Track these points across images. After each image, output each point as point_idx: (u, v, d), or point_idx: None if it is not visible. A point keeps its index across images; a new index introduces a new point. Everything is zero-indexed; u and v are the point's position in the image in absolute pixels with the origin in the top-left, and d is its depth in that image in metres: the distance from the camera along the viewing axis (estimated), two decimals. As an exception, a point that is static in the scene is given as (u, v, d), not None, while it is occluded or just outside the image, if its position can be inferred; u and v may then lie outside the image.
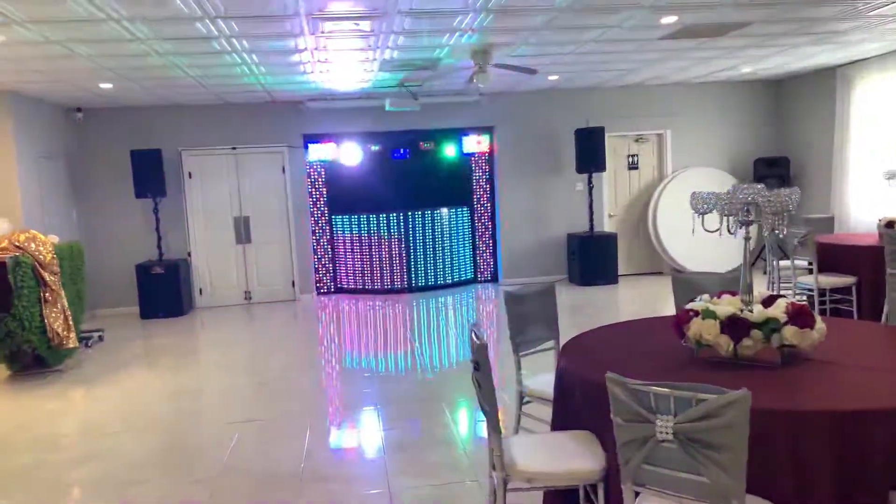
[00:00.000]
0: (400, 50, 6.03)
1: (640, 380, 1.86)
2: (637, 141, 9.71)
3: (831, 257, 5.88)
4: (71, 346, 5.92)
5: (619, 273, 9.19)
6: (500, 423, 2.43)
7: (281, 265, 9.13)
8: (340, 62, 6.47)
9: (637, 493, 1.95)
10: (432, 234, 9.26)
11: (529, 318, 3.37)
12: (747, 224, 2.55)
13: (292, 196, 9.06)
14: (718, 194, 2.60)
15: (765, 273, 7.46)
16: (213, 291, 9.00)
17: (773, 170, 9.20)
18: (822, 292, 5.78)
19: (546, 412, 3.11)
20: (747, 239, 2.58)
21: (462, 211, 9.53)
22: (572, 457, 2.34)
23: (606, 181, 9.53)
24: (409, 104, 8.42)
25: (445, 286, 9.36)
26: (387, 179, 9.31)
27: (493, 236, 9.68)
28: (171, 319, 8.21)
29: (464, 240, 9.57)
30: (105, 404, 5.07)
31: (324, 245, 9.40)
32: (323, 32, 5.25)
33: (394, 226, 9.14)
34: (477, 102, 9.07)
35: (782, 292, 4.23)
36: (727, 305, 2.54)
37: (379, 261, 9.22)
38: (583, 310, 7.47)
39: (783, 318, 2.40)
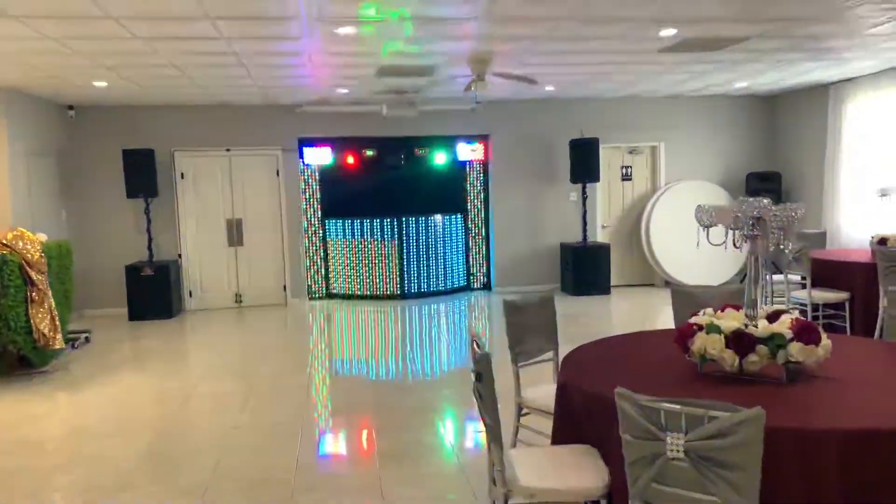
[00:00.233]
0: (398, 56, 6.01)
1: (646, 394, 1.82)
2: (631, 153, 9.74)
3: (825, 273, 5.91)
4: (57, 347, 5.81)
5: (611, 284, 9.19)
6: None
7: (273, 269, 9.05)
8: (337, 66, 6.43)
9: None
10: (426, 241, 9.22)
11: (529, 328, 3.33)
12: (753, 238, 2.53)
13: (286, 199, 8.99)
14: (725, 208, 2.59)
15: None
16: (203, 294, 8.90)
17: (765, 184, 9.25)
18: (815, 307, 5.81)
19: (543, 424, 3.07)
20: (753, 254, 2.57)
21: (456, 218, 9.50)
22: (575, 472, 2.31)
23: (600, 192, 9.55)
24: (406, 111, 8.40)
25: (438, 293, 9.31)
26: (381, 185, 9.26)
27: (487, 244, 9.66)
28: (160, 322, 8.10)
29: (457, 247, 9.53)
30: (91, 408, 4.97)
31: (317, 249, 9.33)
32: (322, 36, 5.21)
33: (387, 231, 9.10)
34: (473, 111, 9.07)
35: (778, 307, 4.22)
36: (731, 320, 2.52)
37: (372, 266, 9.16)
38: (577, 320, 7.45)
39: (788, 333, 2.38)
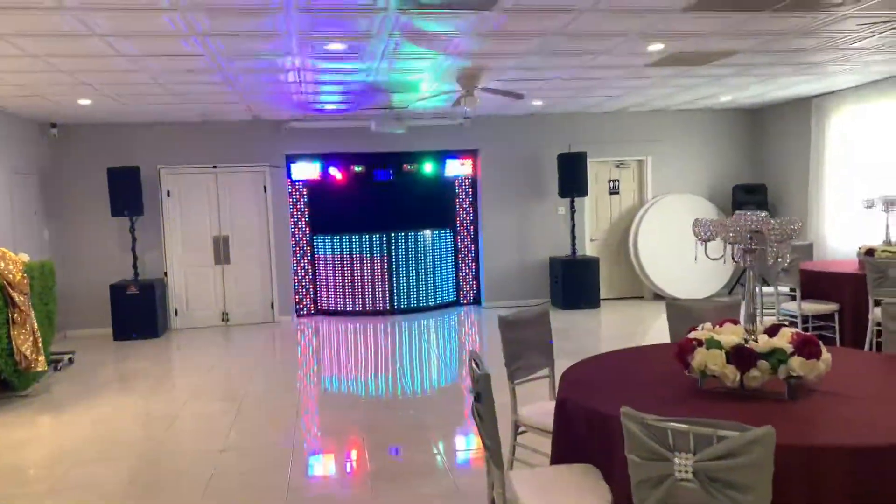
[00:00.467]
0: (388, 71, 5.99)
1: (648, 412, 1.78)
2: (618, 166, 9.78)
3: (814, 284, 5.94)
4: (39, 369, 5.67)
5: (601, 297, 9.19)
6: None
7: (260, 286, 8.95)
8: (326, 82, 6.41)
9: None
10: (415, 256, 9.17)
11: (525, 344, 3.28)
12: (752, 252, 2.51)
13: (273, 216, 8.92)
14: (723, 222, 2.57)
15: (743, 299, 7.50)
16: (190, 312, 8.77)
17: (751, 197, 9.33)
18: (804, 319, 5.82)
19: (539, 442, 3.02)
20: (751, 268, 2.55)
21: (445, 233, 9.47)
22: (577, 493, 2.26)
23: (588, 206, 9.57)
24: (395, 126, 8.38)
25: (428, 308, 9.25)
26: (370, 200, 9.23)
27: (476, 259, 9.63)
28: (146, 341, 7.96)
29: (447, 262, 9.49)
30: (75, 432, 4.84)
31: (305, 266, 9.24)
32: (310, 52, 5.19)
33: (376, 247, 9.04)
34: (461, 125, 9.08)
35: (773, 321, 4.21)
36: (731, 335, 2.49)
37: (361, 282, 9.09)
38: (568, 334, 7.42)
39: (789, 348, 2.36)
